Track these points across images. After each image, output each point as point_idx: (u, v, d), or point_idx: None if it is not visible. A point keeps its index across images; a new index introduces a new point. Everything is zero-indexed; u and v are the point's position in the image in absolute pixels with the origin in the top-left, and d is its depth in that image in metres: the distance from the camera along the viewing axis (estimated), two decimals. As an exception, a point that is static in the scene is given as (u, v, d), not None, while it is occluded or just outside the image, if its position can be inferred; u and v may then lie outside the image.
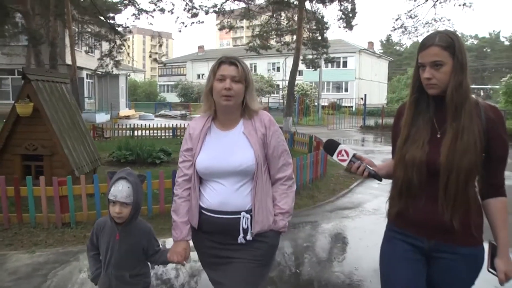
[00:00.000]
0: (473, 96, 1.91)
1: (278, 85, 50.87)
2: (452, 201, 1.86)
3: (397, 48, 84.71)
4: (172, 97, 58.15)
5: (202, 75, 57.98)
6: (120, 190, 2.30)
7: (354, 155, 2.07)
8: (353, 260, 4.65)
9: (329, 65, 39.34)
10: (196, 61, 62.24)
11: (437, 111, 1.94)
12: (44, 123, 6.44)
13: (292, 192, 2.32)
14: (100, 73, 21.23)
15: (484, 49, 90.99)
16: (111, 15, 19.82)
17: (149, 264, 2.55)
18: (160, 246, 2.54)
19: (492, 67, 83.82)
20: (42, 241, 5.04)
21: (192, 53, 67.11)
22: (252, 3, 21.62)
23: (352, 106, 36.74)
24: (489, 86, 68.31)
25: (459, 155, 1.83)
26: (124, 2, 17.05)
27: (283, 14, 22.80)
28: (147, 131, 16.89)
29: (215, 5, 20.47)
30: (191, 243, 2.33)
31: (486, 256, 1.98)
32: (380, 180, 2.09)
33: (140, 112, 36.99)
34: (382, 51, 70.78)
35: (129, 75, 40.41)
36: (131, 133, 16.55)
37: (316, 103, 35.97)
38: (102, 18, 19.17)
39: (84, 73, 29.18)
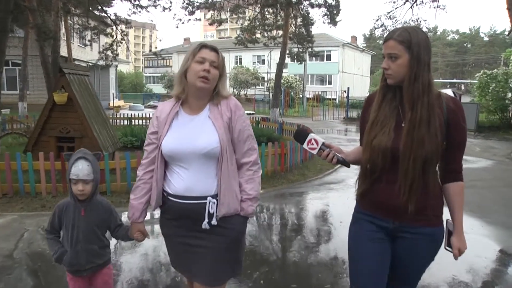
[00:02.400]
0: (439, 90, 2.06)
1: (263, 77, 51.64)
2: (409, 186, 1.97)
3: (380, 42, 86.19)
4: (158, 88, 58.79)
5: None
6: (81, 169, 2.43)
7: (323, 143, 2.15)
8: (338, 216, 5.93)
9: (314, 58, 40.47)
10: (182, 53, 62.67)
11: (403, 101, 2.07)
12: (76, 110, 7.55)
13: (258, 177, 2.37)
14: (100, 65, 22.07)
15: (465, 44, 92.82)
16: (104, 8, 20.64)
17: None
18: (122, 220, 2.72)
19: (472, 62, 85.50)
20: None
21: (178, 45, 67.64)
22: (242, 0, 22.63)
23: (335, 99, 37.90)
24: (468, 81, 70.16)
25: (416, 144, 1.94)
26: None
27: (270, 10, 23.78)
28: (143, 120, 17.88)
29: (207, 1, 21.50)
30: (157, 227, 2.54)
31: (445, 235, 2.13)
32: (348, 166, 2.21)
33: (129, 103, 37.76)
34: (365, 45, 72.00)
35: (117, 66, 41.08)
36: (128, 122, 17.54)
37: (301, 95, 37.23)
38: (97, 12, 20.00)
39: (72, 64, 29.90)
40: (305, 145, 2.17)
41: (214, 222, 2.18)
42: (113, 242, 4.02)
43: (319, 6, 21.23)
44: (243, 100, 43.49)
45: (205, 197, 2.18)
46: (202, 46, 2.24)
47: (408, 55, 1.95)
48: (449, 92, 23.03)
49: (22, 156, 6.74)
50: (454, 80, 63.22)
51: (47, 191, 6.62)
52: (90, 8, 20.11)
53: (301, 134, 2.19)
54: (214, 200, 2.19)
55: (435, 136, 1.95)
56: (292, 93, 36.02)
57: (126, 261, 4.30)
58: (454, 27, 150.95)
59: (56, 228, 2.57)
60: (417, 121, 1.95)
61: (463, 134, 2.06)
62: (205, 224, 2.18)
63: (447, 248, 2.11)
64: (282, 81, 26.95)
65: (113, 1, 21.34)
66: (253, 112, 27.80)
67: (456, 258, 2.10)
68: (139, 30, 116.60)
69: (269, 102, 34.34)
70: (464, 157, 6.62)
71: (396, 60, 1.97)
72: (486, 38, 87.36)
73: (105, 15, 19.59)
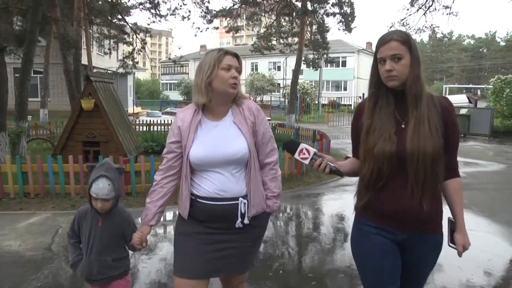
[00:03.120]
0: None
1: (279, 84, 51.99)
2: (422, 186, 1.95)
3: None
4: (175, 95, 59.52)
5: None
6: (101, 187, 2.42)
7: (315, 153, 2.15)
8: (352, 215, 6.19)
9: (329, 65, 40.71)
10: (198, 60, 62.79)
11: (397, 104, 2.05)
12: (102, 115, 7.98)
13: (280, 176, 2.49)
14: (119, 72, 22.64)
15: (481, 49, 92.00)
16: (124, 17, 21.20)
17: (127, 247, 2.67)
18: None
19: (488, 67, 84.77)
20: (114, 205, 6.57)
21: (194, 52, 68.42)
22: (258, 8, 23.02)
23: (351, 105, 38.11)
24: (484, 86, 69.68)
25: (422, 140, 1.93)
26: (141, 6, 18.45)
27: (286, 17, 24.13)
28: (161, 127, 18.31)
29: (224, 9, 21.95)
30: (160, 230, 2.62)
31: (446, 233, 2.13)
32: (342, 176, 2.21)
33: (147, 109, 38.41)
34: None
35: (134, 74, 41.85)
36: (147, 128, 18.00)
37: (316, 102, 37.47)
38: (117, 21, 20.57)
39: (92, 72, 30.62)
40: (296, 155, 2.16)
41: (246, 221, 2.27)
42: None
43: (334, 14, 21.55)
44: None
45: (237, 198, 2.26)
46: (225, 52, 2.27)
47: (410, 55, 1.97)
48: (463, 97, 23.18)
49: (52, 159, 7.16)
50: (470, 86, 62.71)
51: (76, 192, 7.03)
52: (110, 18, 20.72)
53: (292, 145, 2.20)
54: (245, 201, 2.27)
55: (436, 133, 1.96)
56: (307, 99, 36.28)
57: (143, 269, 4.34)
58: (470, 32, 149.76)
59: (76, 233, 2.59)
60: (421, 119, 1.96)
61: (457, 131, 2.09)
62: (238, 223, 2.26)
63: (451, 245, 2.12)
64: (297, 87, 27.23)
65: (132, 10, 21.85)
66: (269, 118, 28.12)
67: (460, 255, 2.10)
68: (155, 37, 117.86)
69: (285, 108, 34.71)
70: (476, 161, 7.14)
71: (400, 60, 1.96)
72: (502, 43, 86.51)
73: (125, 24, 20.11)
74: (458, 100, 28.42)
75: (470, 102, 28.05)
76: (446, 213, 2.08)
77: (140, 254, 4.50)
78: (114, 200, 2.51)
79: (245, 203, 2.27)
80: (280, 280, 4.08)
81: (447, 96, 30.62)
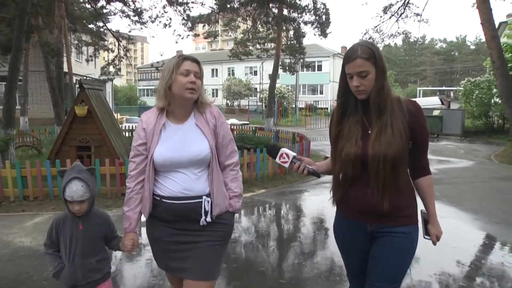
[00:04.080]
0: (397, 94, 2.21)
1: (255, 88, 52.52)
2: (382, 186, 2.09)
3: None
4: (152, 101, 59.21)
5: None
6: (75, 190, 2.40)
7: (294, 157, 2.25)
8: (332, 208, 6.75)
9: (305, 69, 41.49)
10: (176, 65, 63.34)
11: (366, 111, 2.17)
12: (95, 121, 8.38)
13: (240, 176, 2.56)
14: (97, 79, 22.90)
15: (452, 53, 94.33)
16: (103, 23, 21.49)
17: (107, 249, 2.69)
18: (117, 233, 2.71)
19: (460, 70, 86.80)
20: (111, 204, 6.98)
21: (171, 57, 68.37)
22: (236, 14, 23.55)
23: (327, 108, 38.88)
24: (456, 88, 71.24)
25: (384, 146, 2.06)
26: (123, 14, 18.81)
27: (263, 24, 24.73)
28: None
29: (202, 16, 22.39)
30: (144, 234, 2.61)
31: (420, 226, 2.27)
32: (319, 177, 2.35)
33: (125, 115, 38.43)
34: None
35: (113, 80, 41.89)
36: (130, 134, 18.27)
37: (293, 105, 38.19)
38: (96, 28, 20.84)
39: (74, 79, 30.77)
40: (277, 159, 2.28)
41: (209, 219, 2.34)
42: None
43: (312, 23, 22.24)
44: (236, 111, 44.34)
45: (200, 197, 2.33)
46: (184, 58, 2.32)
47: (375, 69, 2.06)
48: (436, 99, 24.06)
49: (50, 164, 7.51)
50: (443, 88, 64.24)
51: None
52: (93, 25, 21.01)
53: (273, 149, 2.31)
54: (209, 199, 2.35)
55: (400, 137, 2.07)
56: (285, 103, 36.96)
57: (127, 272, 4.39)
58: (442, 36, 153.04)
59: (55, 242, 2.55)
60: (383, 126, 2.08)
61: (425, 133, 2.20)
62: (202, 221, 2.33)
63: (426, 237, 2.27)
64: (275, 91, 27.85)
65: (111, 17, 22.14)
66: (247, 122, 28.64)
67: (434, 244, 2.28)
68: (124, 40, 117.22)
69: (262, 112, 35.30)
70: (448, 158, 7.86)
71: (367, 76, 2.06)
72: (472, 47, 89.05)
73: (107, 31, 20.41)
74: (431, 102, 29.40)
75: (442, 103, 28.98)
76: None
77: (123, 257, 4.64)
78: (90, 201, 2.50)
79: (208, 201, 2.35)
80: (271, 265, 4.59)
81: (416, 99, 31.61)
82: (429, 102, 29.34)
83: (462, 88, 23.77)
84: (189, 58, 2.33)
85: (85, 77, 31.62)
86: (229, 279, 4.12)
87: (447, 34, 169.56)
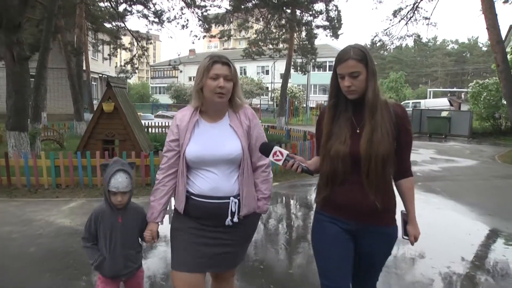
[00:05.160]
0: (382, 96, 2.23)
1: (267, 88, 53.06)
2: (374, 184, 2.14)
3: (381, 52, 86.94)
4: (164, 99, 60.26)
5: (194, 77, 60.17)
6: (120, 181, 2.53)
7: (287, 155, 2.24)
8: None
9: (316, 69, 41.89)
10: (188, 64, 64.23)
11: (356, 111, 2.23)
12: (120, 117, 9.00)
13: (271, 178, 2.59)
14: (122, 77, 23.61)
15: (464, 54, 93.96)
16: (119, 22, 22.21)
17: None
18: None
19: (471, 71, 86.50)
20: (137, 193, 7.59)
21: (183, 56, 69.32)
22: (249, 15, 24.19)
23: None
24: (467, 90, 70.96)
25: (375, 145, 2.11)
26: (143, 16, 19.53)
27: (276, 24, 25.31)
28: (157, 129, 19.26)
29: (217, 16, 23.05)
30: (165, 226, 2.66)
31: (400, 227, 2.33)
32: (312, 175, 2.34)
33: (139, 112, 39.12)
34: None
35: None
36: (146, 130, 18.93)
37: (304, 105, 38.71)
38: (118, 28, 21.58)
39: (90, 76, 31.58)
40: (270, 157, 2.26)
41: (235, 219, 2.38)
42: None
43: (324, 27, 22.81)
44: (248, 110, 44.75)
45: (228, 197, 2.36)
46: (214, 61, 2.33)
47: (366, 70, 2.13)
48: (444, 100, 24.40)
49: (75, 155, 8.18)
50: (454, 89, 64.38)
51: (101, 183, 8.05)
52: (110, 24, 21.75)
53: (267, 147, 2.29)
54: (236, 200, 2.37)
55: (388, 137, 2.14)
56: (296, 102, 37.46)
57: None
58: (454, 37, 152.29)
59: (93, 235, 2.63)
60: (375, 126, 2.13)
61: (409, 136, 2.28)
62: (228, 221, 2.37)
63: (404, 237, 2.34)
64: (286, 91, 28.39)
65: (127, 16, 22.86)
66: (259, 121, 29.18)
67: (412, 244, 2.34)
68: (143, 41, 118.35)
69: (274, 111, 35.86)
70: (453, 158, 8.55)
71: (358, 76, 2.12)
72: (484, 48, 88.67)
73: (125, 30, 21.12)
74: (440, 103, 29.82)
75: (451, 105, 29.36)
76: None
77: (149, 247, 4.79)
78: (131, 193, 2.62)
79: (235, 202, 2.37)
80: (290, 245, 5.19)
81: (425, 100, 31.70)
82: (438, 103, 29.77)
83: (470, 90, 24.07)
84: (219, 61, 2.33)
85: (101, 75, 32.59)
86: (252, 257, 4.72)
87: (459, 35, 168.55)
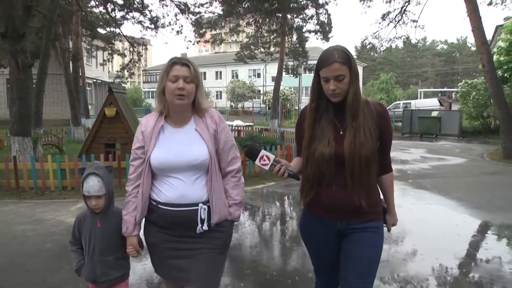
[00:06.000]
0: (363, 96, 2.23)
1: (259, 91, 53.41)
2: (358, 184, 2.15)
3: (371, 54, 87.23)
4: (157, 103, 60.38)
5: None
6: (91, 185, 2.47)
7: (274, 159, 2.20)
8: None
9: (308, 71, 42.35)
10: (180, 68, 64.11)
11: (337, 113, 2.22)
12: (122, 121, 9.32)
13: (242, 184, 2.49)
14: (105, 82, 23.96)
15: (453, 54, 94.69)
16: (114, 28, 22.55)
17: None
18: None
19: (461, 71, 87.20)
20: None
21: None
22: (241, 19, 24.59)
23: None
24: (457, 89, 71.41)
25: (358, 147, 2.11)
26: (139, 22, 19.90)
27: (267, 28, 25.74)
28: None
29: (210, 21, 23.41)
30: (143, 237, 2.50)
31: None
32: (298, 179, 2.29)
33: (133, 117, 39.33)
34: (356, 56, 73.85)
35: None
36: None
37: (296, 107, 39.15)
38: (114, 35, 21.91)
39: (85, 82, 31.77)
40: (257, 162, 2.22)
41: (205, 227, 2.29)
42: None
43: (315, 32, 23.31)
44: (240, 113, 45.22)
45: (196, 204, 2.27)
46: (173, 63, 2.26)
47: (350, 73, 2.11)
48: (434, 101, 24.87)
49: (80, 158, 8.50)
50: (445, 89, 64.97)
51: (105, 185, 8.38)
52: (104, 29, 22.10)
53: (253, 152, 2.24)
54: (205, 207, 2.29)
55: (371, 138, 2.15)
56: (288, 105, 37.88)
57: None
58: (443, 37, 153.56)
59: (77, 239, 2.63)
60: (358, 128, 2.14)
61: (390, 133, 2.32)
62: (199, 229, 2.28)
63: (383, 224, 2.39)
64: (279, 94, 28.77)
65: (120, 22, 23.19)
66: (252, 123, 29.57)
67: (389, 230, 2.46)
68: (138, 46, 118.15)
69: (266, 114, 36.25)
70: (443, 156, 9.16)
71: (343, 79, 2.10)
72: (473, 48, 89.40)
73: (120, 36, 21.46)
74: (430, 103, 30.32)
75: (441, 105, 29.85)
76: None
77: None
78: (107, 197, 2.54)
79: (205, 209, 2.29)
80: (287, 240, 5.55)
81: (416, 101, 32.10)
82: (427, 103, 30.28)
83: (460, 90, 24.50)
84: (179, 62, 2.26)
85: (95, 80, 32.79)
86: (249, 253, 5.07)
87: (448, 35, 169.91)
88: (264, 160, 2.20)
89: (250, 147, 2.30)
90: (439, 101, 31.00)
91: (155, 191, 2.33)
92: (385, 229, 2.39)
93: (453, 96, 55.02)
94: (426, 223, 6.02)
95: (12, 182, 8.22)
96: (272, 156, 2.21)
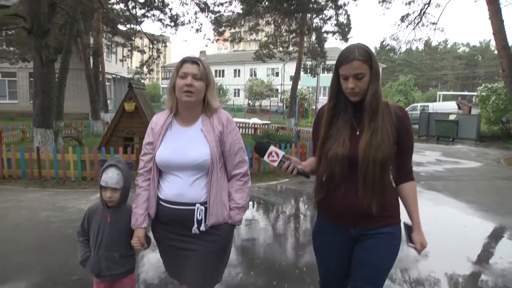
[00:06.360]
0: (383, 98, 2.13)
1: (277, 89, 53.59)
2: (370, 189, 2.06)
3: (391, 55, 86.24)
4: (176, 100, 60.80)
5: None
6: (110, 176, 2.48)
7: (283, 156, 2.15)
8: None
9: (326, 71, 42.36)
10: (198, 65, 64.52)
11: (355, 113, 2.14)
12: (140, 116, 9.57)
13: (248, 188, 2.45)
14: (124, 77, 24.36)
15: (475, 57, 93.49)
16: (134, 25, 22.92)
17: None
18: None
19: (483, 75, 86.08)
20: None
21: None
22: (260, 18, 24.77)
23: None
24: (477, 93, 70.36)
25: (374, 149, 2.03)
26: (159, 21, 20.27)
27: (286, 27, 25.89)
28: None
29: (229, 20, 23.64)
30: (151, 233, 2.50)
31: (404, 234, 2.22)
32: (308, 177, 2.23)
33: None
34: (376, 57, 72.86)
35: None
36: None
37: (314, 107, 39.18)
38: (134, 32, 22.29)
39: (104, 77, 32.25)
40: (265, 158, 2.17)
41: (202, 228, 2.28)
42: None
43: (333, 33, 23.39)
44: (258, 111, 45.43)
45: (193, 204, 2.27)
46: (184, 61, 2.30)
47: (370, 72, 2.04)
48: (452, 104, 24.58)
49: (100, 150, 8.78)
50: (465, 93, 64.33)
51: (123, 177, 8.65)
52: (124, 26, 22.49)
53: (262, 147, 2.20)
54: (202, 208, 2.28)
55: (388, 141, 2.06)
56: (305, 104, 37.92)
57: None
58: (465, 40, 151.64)
59: (85, 231, 2.63)
60: (375, 129, 2.05)
61: (411, 138, 2.19)
62: (194, 229, 2.28)
63: (410, 244, 2.21)
64: (296, 93, 28.86)
65: (142, 19, 23.56)
66: (269, 122, 29.73)
67: (419, 253, 2.23)
68: (158, 43, 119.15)
69: (283, 113, 36.38)
70: (458, 160, 9.27)
71: (363, 78, 2.03)
72: (496, 51, 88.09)
73: (141, 33, 21.82)
74: (448, 107, 30.06)
75: (459, 108, 29.61)
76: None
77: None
78: (123, 192, 2.55)
79: (202, 210, 2.28)
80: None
81: (434, 103, 31.81)
82: (445, 106, 30.05)
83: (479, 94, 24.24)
84: (189, 60, 2.31)
85: (114, 75, 33.26)
86: (259, 244, 5.26)
87: (470, 38, 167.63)
88: (273, 156, 2.16)
89: (259, 143, 2.29)
90: (458, 105, 30.77)
91: (158, 187, 2.37)
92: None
93: (473, 100, 54.39)
94: (434, 223, 6.13)
95: (35, 172, 8.56)
96: (281, 153, 2.16)
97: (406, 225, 2.23)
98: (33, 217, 6.07)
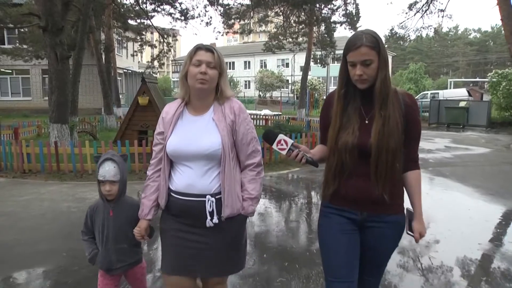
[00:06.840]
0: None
1: (287, 80, 53.65)
2: (383, 177, 2.06)
3: (401, 43, 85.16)
4: (187, 93, 61.06)
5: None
6: (107, 170, 2.50)
7: (292, 144, 2.12)
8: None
9: (336, 61, 42.37)
10: (209, 57, 64.76)
11: (364, 101, 2.12)
12: (154, 109, 9.84)
13: (261, 179, 2.39)
14: (135, 72, 24.68)
15: (487, 43, 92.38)
16: (144, 20, 23.20)
17: None
18: None
19: (495, 61, 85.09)
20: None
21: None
22: (269, 10, 24.91)
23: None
24: (488, 79, 69.48)
25: (386, 137, 2.02)
26: (170, 14, 20.53)
27: (295, 18, 25.99)
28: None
29: (238, 12, 23.81)
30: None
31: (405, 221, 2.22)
32: (317, 166, 2.18)
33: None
34: (386, 46, 72.16)
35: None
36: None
37: (324, 97, 39.21)
38: (145, 26, 22.56)
39: (116, 72, 32.59)
40: (274, 146, 2.15)
41: (215, 220, 2.24)
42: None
43: (341, 23, 23.45)
44: (268, 102, 45.56)
45: (204, 195, 2.22)
46: (198, 48, 2.25)
47: (378, 58, 2.01)
48: (463, 91, 24.54)
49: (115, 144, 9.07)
50: (476, 79, 63.75)
51: (139, 169, 8.95)
52: (134, 21, 22.77)
53: (271, 135, 2.17)
54: (213, 199, 2.22)
55: (398, 129, 2.05)
56: (316, 94, 37.97)
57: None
58: (476, 25, 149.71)
59: (90, 229, 2.67)
60: (386, 117, 2.03)
61: (418, 127, 2.17)
62: (208, 222, 2.23)
63: (409, 232, 2.21)
64: (306, 83, 28.97)
65: (151, 14, 23.81)
66: (280, 113, 29.91)
67: (417, 241, 2.21)
68: (169, 37, 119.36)
69: (294, 104, 36.51)
70: (467, 146, 9.57)
71: (370, 65, 2.00)
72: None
73: (151, 28, 22.09)
74: (458, 93, 29.94)
75: (469, 95, 29.47)
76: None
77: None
78: (121, 184, 2.57)
79: (213, 201, 2.23)
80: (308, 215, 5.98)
81: (444, 91, 31.69)
82: (456, 93, 29.94)
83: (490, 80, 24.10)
84: (203, 47, 2.26)
85: (125, 70, 33.60)
86: (271, 229, 5.51)
87: (481, 24, 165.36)
88: (282, 145, 2.12)
89: (268, 131, 2.23)
90: (468, 92, 30.64)
91: (169, 178, 2.32)
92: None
93: (485, 86, 53.85)
94: (439, 206, 6.33)
95: (53, 166, 8.90)
96: (290, 141, 2.13)
97: (408, 211, 2.23)
98: (55, 208, 6.40)
